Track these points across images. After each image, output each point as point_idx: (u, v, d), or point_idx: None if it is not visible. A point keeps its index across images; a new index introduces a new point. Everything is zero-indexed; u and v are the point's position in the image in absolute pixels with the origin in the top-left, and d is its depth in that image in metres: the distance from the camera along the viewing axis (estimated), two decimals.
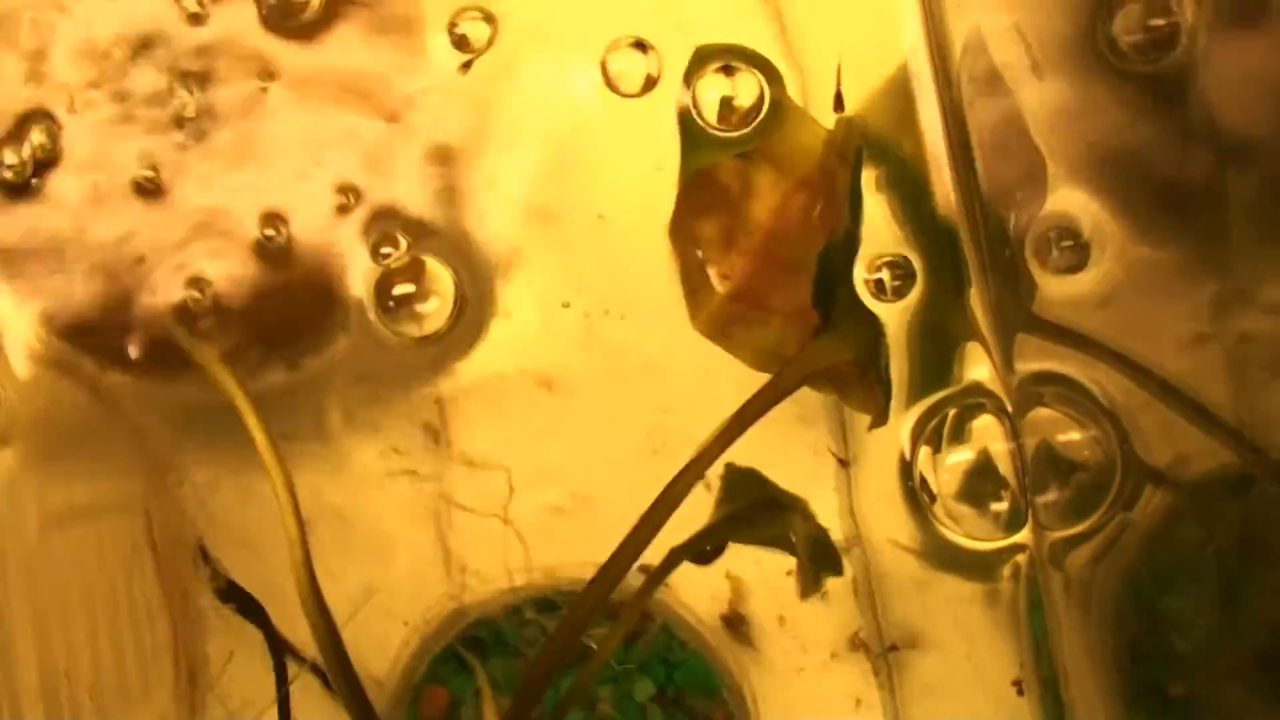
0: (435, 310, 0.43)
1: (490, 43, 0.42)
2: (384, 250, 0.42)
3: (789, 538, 0.37)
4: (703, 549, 0.39)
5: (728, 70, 0.40)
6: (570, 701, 0.39)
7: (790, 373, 0.34)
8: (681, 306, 0.41)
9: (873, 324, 0.35)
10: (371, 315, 0.42)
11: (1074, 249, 0.37)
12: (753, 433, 0.44)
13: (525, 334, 0.44)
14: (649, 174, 0.44)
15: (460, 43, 0.41)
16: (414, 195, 0.43)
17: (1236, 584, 0.40)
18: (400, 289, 0.42)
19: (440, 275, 0.43)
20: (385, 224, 0.42)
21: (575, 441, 0.45)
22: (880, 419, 0.36)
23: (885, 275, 0.37)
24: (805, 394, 0.46)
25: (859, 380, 0.36)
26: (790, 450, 0.45)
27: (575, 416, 0.45)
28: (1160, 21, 0.37)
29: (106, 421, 0.41)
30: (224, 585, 0.39)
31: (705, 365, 0.42)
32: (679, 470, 0.35)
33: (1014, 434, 0.37)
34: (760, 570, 0.44)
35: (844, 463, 0.43)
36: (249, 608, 0.39)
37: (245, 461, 0.43)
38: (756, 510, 0.37)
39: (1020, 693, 0.36)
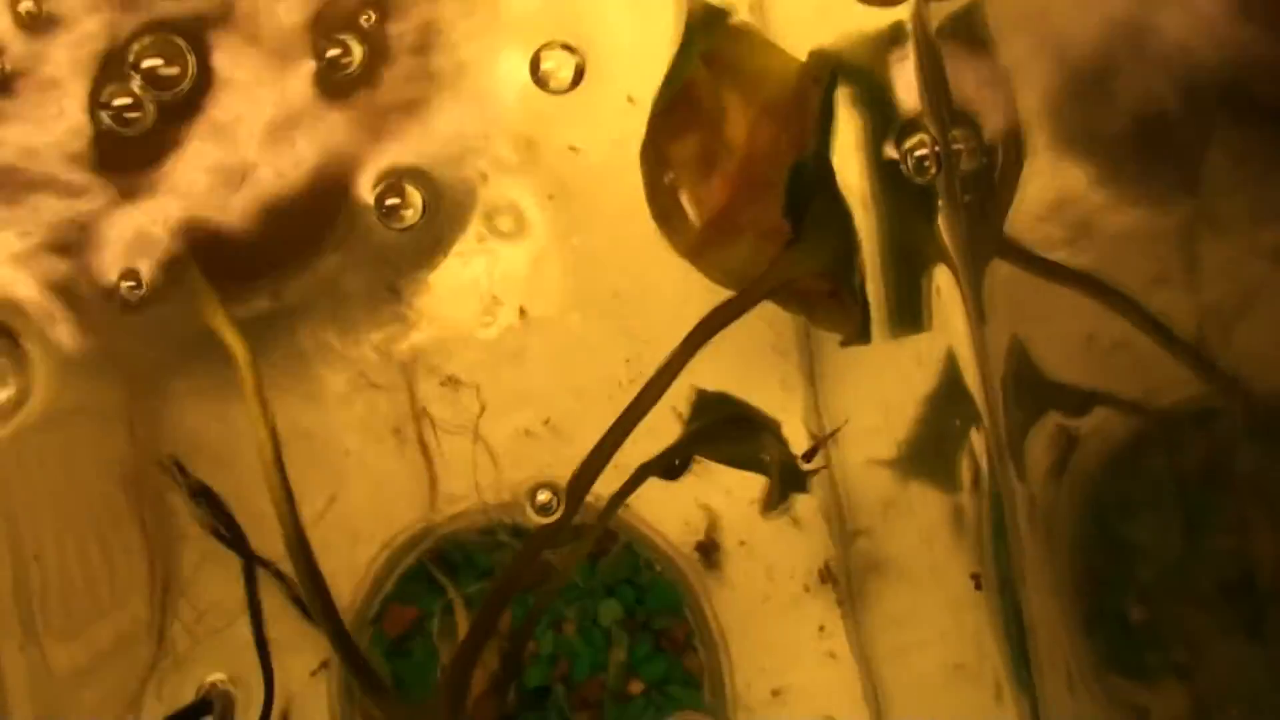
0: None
1: None
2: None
3: (758, 457, 0.36)
4: (670, 465, 0.37)
5: None
6: (536, 616, 0.37)
7: (761, 283, 0.32)
8: (659, 237, 0.40)
9: (846, 237, 0.33)
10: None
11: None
12: (725, 363, 0.43)
13: (500, 262, 0.43)
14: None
15: None
16: None
17: (1199, 512, 0.38)
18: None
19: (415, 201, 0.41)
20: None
21: (550, 368, 0.43)
22: (854, 336, 0.34)
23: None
24: (780, 325, 0.45)
25: (827, 298, 0.35)
26: (763, 382, 0.44)
27: (550, 344, 0.43)
28: None
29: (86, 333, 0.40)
30: (196, 486, 0.38)
31: (682, 296, 0.41)
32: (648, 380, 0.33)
33: None
34: (730, 499, 0.43)
35: (827, 437, 0.42)
36: (218, 511, 0.38)
37: (221, 381, 0.41)
38: (726, 427, 0.36)
39: (978, 587, 0.35)
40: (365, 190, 0.42)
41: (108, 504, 0.38)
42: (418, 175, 0.42)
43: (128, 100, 0.38)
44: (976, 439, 0.36)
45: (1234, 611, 0.38)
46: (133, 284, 0.39)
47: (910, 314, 0.36)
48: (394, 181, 0.42)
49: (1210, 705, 0.38)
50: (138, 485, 0.39)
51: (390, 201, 0.41)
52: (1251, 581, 0.38)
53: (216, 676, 0.38)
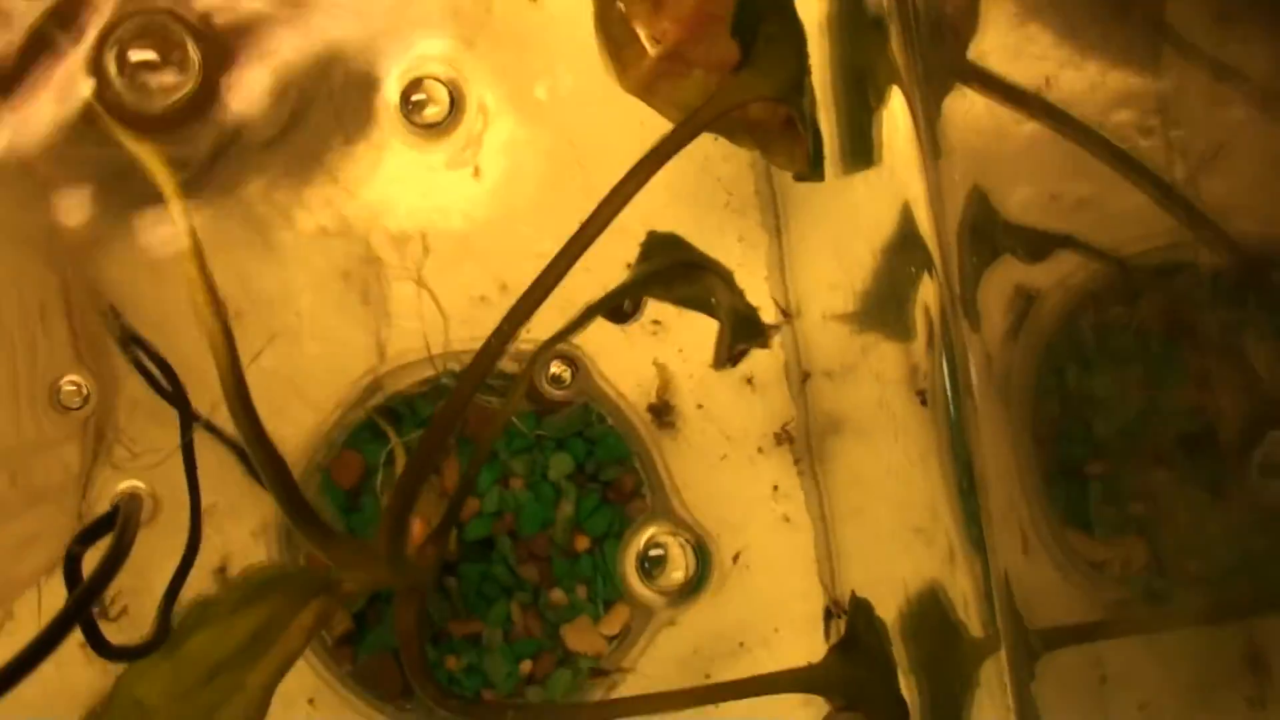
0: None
1: None
2: None
3: (708, 300, 0.34)
4: (619, 306, 0.36)
5: None
6: (479, 461, 0.36)
7: (710, 107, 0.31)
8: (618, 94, 0.38)
9: (797, 59, 0.32)
10: None
11: None
12: (681, 221, 0.42)
13: (455, 120, 0.42)
14: None
15: None
16: None
17: (1159, 366, 0.37)
18: None
19: None
20: None
21: (501, 227, 0.42)
22: (807, 170, 0.33)
23: None
24: (735, 183, 0.43)
25: (782, 130, 0.33)
26: (720, 238, 0.42)
27: (502, 201, 0.42)
28: None
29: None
30: (129, 334, 0.36)
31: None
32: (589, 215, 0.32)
33: None
34: (684, 359, 0.42)
35: (785, 315, 0.41)
36: (155, 360, 0.36)
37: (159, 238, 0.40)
38: (675, 269, 0.34)
39: (924, 403, 0.34)
40: (390, 86, 0.41)
41: (41, 352, 0.37)
42: None
43: None
44: (929, 286, 0.34)
45: (1193, 466, 0.37)
46: None
47: (863, 147, 0.34)
48: (419, 77, 0.40)
49: (1168, 559, 0.37)
50: (74, 331, 0.38)
51: (415, 97, 0.40)
52: (1212, 436, 0.37)
53: (129, 484, 0.36)
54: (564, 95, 0.43)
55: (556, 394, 0.39)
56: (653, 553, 0.39)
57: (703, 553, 0.39)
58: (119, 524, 0.25)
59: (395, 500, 0.32)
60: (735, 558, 0.41)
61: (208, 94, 0.39)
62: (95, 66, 0.38)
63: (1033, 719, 0.31)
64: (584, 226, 0.31)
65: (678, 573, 0.39)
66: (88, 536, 0.26)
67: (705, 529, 0.40)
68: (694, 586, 0.39)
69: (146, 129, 0.39)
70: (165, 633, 0.29)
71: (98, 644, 0.28)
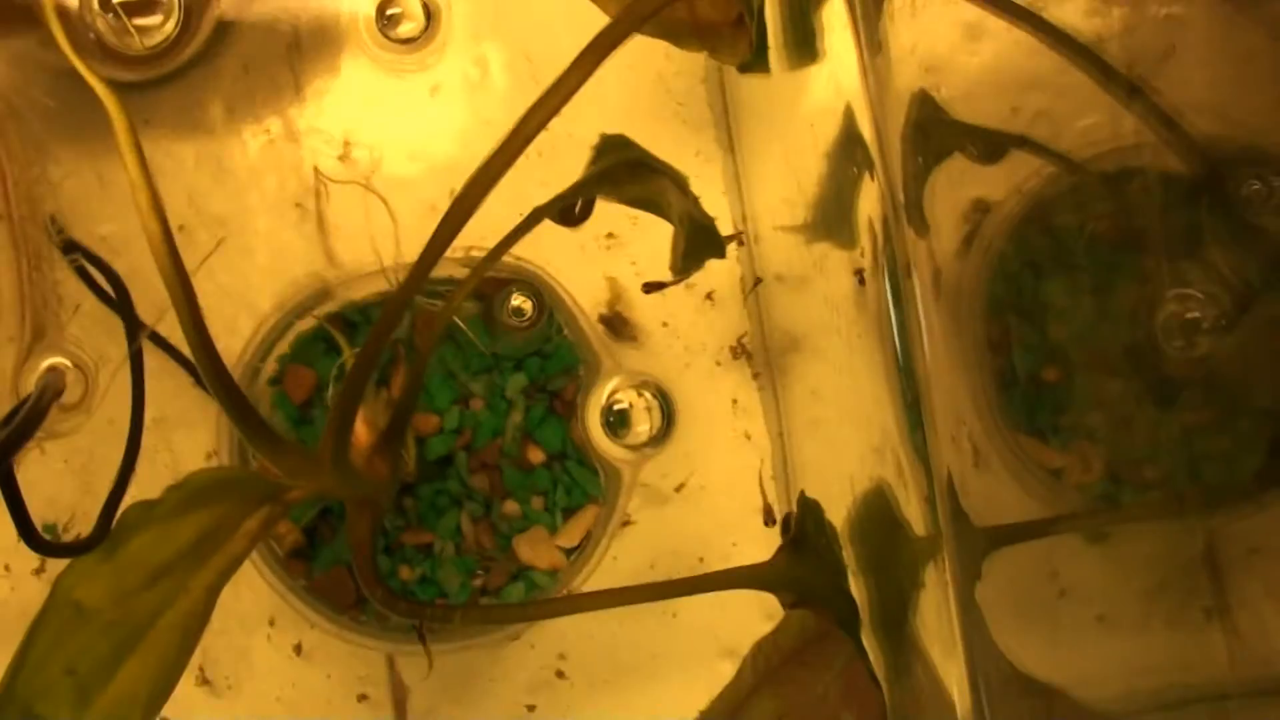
0: None
1: None
2: None
3: (659, 201, 0.34)
4: (570, 209, 0.35)
5: None
6: (423, 360, 0.35)
7: None
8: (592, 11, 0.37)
9: None
10: None
11: None
12: (637, 135, 0.41)
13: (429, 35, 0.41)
14: None
15: None
16: None
17: (1110, 272, 0.36)
18: None
19: None
20: None
21: (458, 141, 0.41)
22: (750, 60, 0.32)
23: None
24: (689, 96, 0.42)
25: (731, 28, 0.32)
26: (676, 152, 0.42)
27: (456, 114, 0.41)
28: None
29: None
30: (70, 243, 0.35)
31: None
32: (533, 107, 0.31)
33: None
34: (638, 274, 0.41)
35: (741, 236, 0.41)
36: (100, 268, 0.36)
37: (108, 152, 0.39)
38: (625, 168, 0.34)
39: (861, 282, 0.33)
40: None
41: None
42: None
43: None
44: (870, 189, 0.33)
45: (1145, 374, 0.37)
46: None
47: (807, 41, 0.33)
48: None
49: (1123, 465, 0.37)
50: (15, 239, 0.37)
51: (391, 11, 0.40)
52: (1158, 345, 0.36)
53: (55, 360, 0.36)
54: (536, 12, 0.42)
55: (517, 325, 0.39)
56: (616, 407, 0.39)
57: (666, 403, 0.39)
58: (36, 391, 0.24)
59: (339, 405, 0.31)
60: (679, 487, 0.41)
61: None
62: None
63: (975, 615, 0.30)
64: (526, 117, 0.31)
65: (642, 426, 0.39)
66: (12, 419, 0.25)
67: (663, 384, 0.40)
68: (660, 438, 0.39)
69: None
70: (105, 532, 0.29)
71: (30, 537, 0.27)
